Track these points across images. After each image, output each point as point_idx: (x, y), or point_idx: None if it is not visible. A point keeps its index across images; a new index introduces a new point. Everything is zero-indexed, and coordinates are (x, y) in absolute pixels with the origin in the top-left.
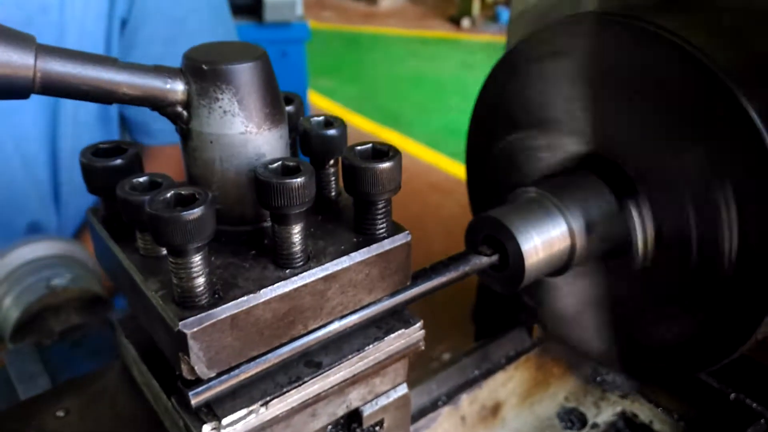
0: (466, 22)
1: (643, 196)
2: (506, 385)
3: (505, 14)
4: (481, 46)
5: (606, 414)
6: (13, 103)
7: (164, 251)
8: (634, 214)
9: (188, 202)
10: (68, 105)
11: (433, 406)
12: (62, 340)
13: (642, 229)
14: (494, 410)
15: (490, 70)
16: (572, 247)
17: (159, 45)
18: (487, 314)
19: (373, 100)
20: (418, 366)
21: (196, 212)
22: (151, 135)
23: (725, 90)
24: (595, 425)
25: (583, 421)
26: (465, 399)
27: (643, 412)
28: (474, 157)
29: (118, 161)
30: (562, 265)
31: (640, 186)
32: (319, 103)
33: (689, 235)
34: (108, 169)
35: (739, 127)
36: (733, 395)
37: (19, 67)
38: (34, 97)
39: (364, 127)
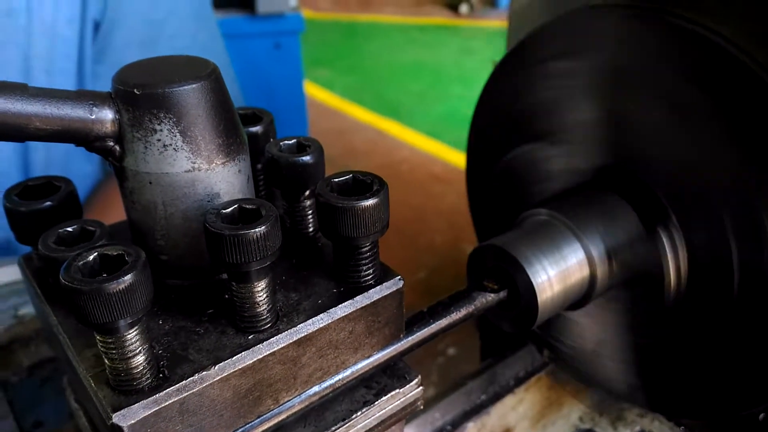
0: (464, 8)
1: (674, 219)
2: (516, 408)
3: None
4: (480, 31)
5: None
6: None
7: None
8: (664, 238)
9: (116, 266)
10: None
11: None
12: (31, 376)
13: (674, 255)
14: None
15: (492, 69)
16: (592, 277)
17: (135, 49)
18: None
19: (372, 89)
20: (424, 362)
21: (126, 281)
22: None
23: None
24: None
25: None
26: (472, 427)
27: (664, 431)
28: (476, 174)
29: (48, 204)
30: (581, 298)
31: (670, 206)
32: (317, 94)
33: (730, 261)
34: (36, 213)
35: None
36: (762, 416)
37: None
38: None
39: (363, 117)
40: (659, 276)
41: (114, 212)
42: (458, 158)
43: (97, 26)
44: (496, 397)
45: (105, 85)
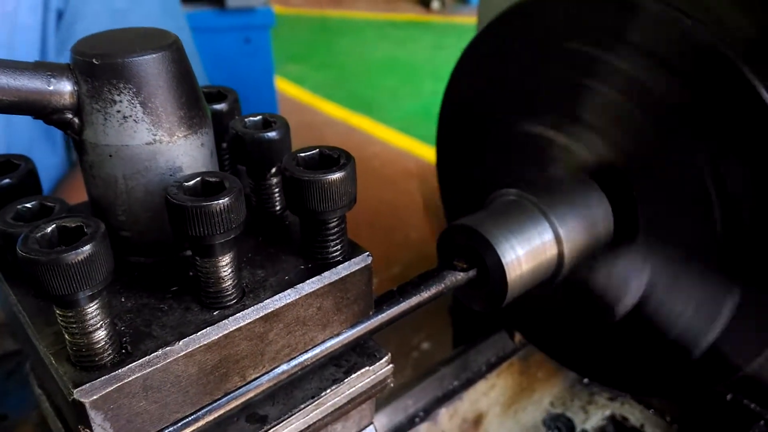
0: (435, 4)
1: (644, 246)
2: (488, 394)
3: None
4: (452, 28)
5: (595, 419)
6: None
7: None
8: (629, 262)
9: (74, 237)
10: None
11: (410, 424)
12: None
13: (632, 282)
14: (476, 423)
15: (465, 48)
16: (560, 255)
17: None
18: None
19: (344, 85)
20: (397, 358)
21: (85, 251)
22: None
23: None
24: (584, 431)
25: (570, 427)
26: (444, 413)
27: (634, 415)
28: (446, 154)
29: (6, 181)
30: (549, 276)
31: (645, 230)
32: (288, 89)
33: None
34: None
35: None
36: (729, 396)
37: None
38: None
39: (334, 113)
40: (613, 285)
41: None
42: (431, 153)
43: (60, 15)
44: (468, 383)
45: None
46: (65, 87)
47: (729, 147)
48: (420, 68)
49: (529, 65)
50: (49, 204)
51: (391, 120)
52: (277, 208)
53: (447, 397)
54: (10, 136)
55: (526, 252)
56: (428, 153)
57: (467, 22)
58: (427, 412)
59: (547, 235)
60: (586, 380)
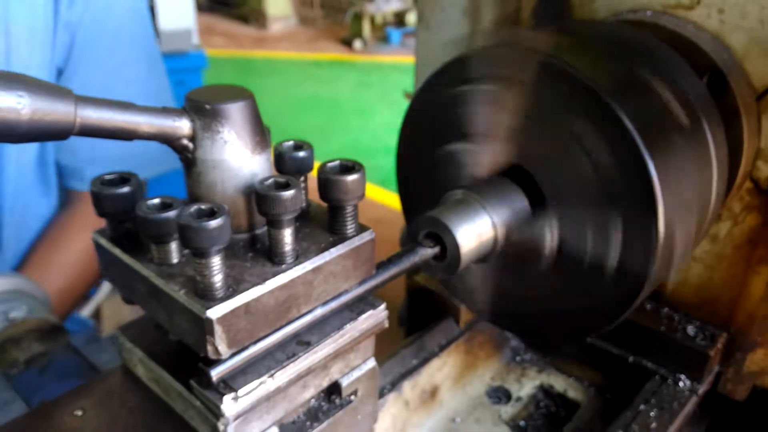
0: (358, 44)
1: (553, 211)
2: (441, 369)
3: (394, 35)
4: (374, 66)
5: (527, 388)
6: None
7: (175, 259)
8: (542, 218)
9: (210, 214)
10: (12, 151)
11: (379, 394)
12: (29, 367)
13: (549, 232)
14: (432, 393)
15: (407, 97)
16: (495, 238)
17: (94, 93)
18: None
19: (271, 123)
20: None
21: (219, 221)
22: (84, 180)
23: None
24: (519, 398)
25: (508, 396)
26: (407, 385)
27: (558, 382)
28: (405, 167)
29: (126, 189)
30: (487, 253)
31: (550, 201)
32: None
33: (584, 253)
34: (119, 195)
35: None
36: (631, 358)
37: (63, 115)
38: None
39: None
40: (538, 244)
41: (64, 244)
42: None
43: (60, 73)
44: (424, 361)
45: None
46: (185, 123)
47: (592, 134)
48: (346, 105)
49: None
50: (167, 201)
51: (322, 156)
52: (304, 204)
53: (409, 372)
54: (20, 181)
55: (472, 234)
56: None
57: (388, 60)
58: (393, 384)
59: (486, 221)
60: (518, 358)
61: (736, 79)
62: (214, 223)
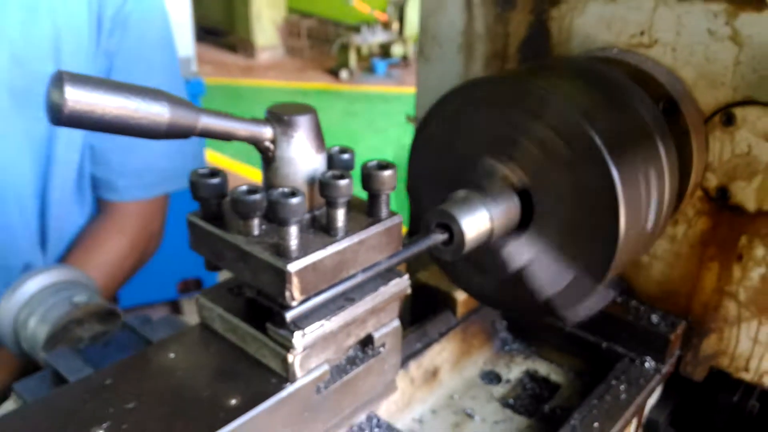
0: (344, 74)
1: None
2: (441, 354)
3: (380, 66)
4: (360, 95)
5: (515, 372)
6: (13, 160)
7: (256, 231)
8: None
9: (291, 195)
10: (58, 167)
11: None
12: (93, 343)
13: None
14: (434, 373)
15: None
16: (492, 229)
17: None
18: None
19: None
20: None
21: (299, 200)
22: (116, 191)
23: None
24: (508, 380)
25: (498, 378)
26: (413, 365)
27: (542, 367)
28: (417, 173)
29: (217, 180)
30: (484, 241)
31: (536, 219)
32: (209, 156)
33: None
34: (212, 186)
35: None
36: (604, 344)
37: (190, 121)
38: (29, 155)
39: (256, 177)
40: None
41: (97, 248)
42: None
43: None
44: (427, 346)
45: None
46: (269, 130)
47: (566, 148)
48: (333, 133)
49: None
50: (253, 187)
51: None
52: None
53: (414, 354)
54: (63, 190)
55: (474, 225)
56: None
57: (374, 90)
58: (401, 363)
59: (485, 215)
60: (507, 347)
61: (686, 106)
62: (295, 201)
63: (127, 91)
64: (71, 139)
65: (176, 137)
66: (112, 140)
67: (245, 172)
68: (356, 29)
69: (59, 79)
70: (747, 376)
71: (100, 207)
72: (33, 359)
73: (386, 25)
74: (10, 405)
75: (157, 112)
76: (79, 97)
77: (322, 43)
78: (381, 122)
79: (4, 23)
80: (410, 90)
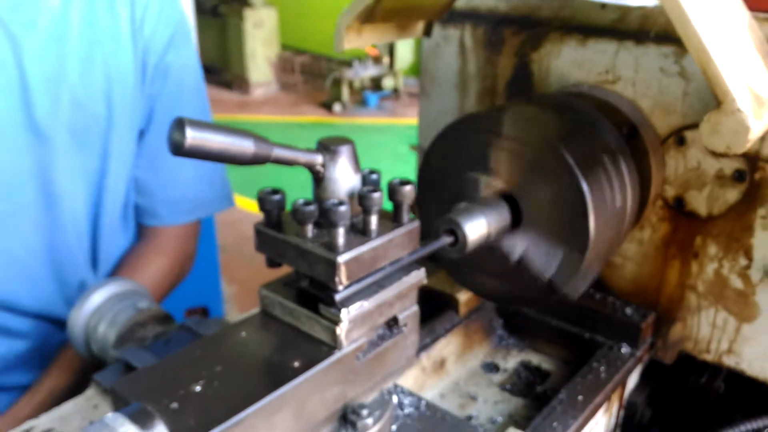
0: (337, 107)
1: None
2: (447, 347)
3: (372, 99)
4: (353, 127)
5: (511, 362)
6: (71, 190)
7: (310, 234)
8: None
9: (340, 204)
10: (108, 197)
11: None
12: (156, 340)
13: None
14: (442, 364)
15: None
16: (489, 233)
17: (164, 147)
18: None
19: (257, 182)
20: None
21: (346, 208)
22: (158, 217)
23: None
24: (505, 370)
25: (497, 368)
26: (423, 356)
27: (535, 358)
28: (426, 187)
29: (279, 196)
30: (484, 242)
31: (525, 219)
32: None
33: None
34: (274, 201)
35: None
36: (587, 335)
37: (265, 151)
38: (84, 186)
39: (252, 208)
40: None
41: (141, 268)
42: None
43: (141, 134)
44: (435, 339)
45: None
46: (320, 157)
47: (548, 171)
48: None
49: (465, 150)
50: (309, 201)
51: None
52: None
53: (424, 346)
54: (112, 216)
55: (475, 229)
56: None
57: (367, 122)
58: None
59: (483, 222)
60: (504, 342)
61: (645, 130)
62: (343, 208)
63: (225, 132)
64: (120, 172)
65: (258, 164)
66: (155, 174)
67: (240, 202)
68: (348, 64)
69: (181, 123)
70: (709, 357)
71: (142, 232)
72: (99, 359)
73: (377, 60)
74: (91, 393)
75: (246, 146)
76: (195, 135)
77: (315, 78)
78: (375, 153)
79: (66, 71)
80: (402, 121)
